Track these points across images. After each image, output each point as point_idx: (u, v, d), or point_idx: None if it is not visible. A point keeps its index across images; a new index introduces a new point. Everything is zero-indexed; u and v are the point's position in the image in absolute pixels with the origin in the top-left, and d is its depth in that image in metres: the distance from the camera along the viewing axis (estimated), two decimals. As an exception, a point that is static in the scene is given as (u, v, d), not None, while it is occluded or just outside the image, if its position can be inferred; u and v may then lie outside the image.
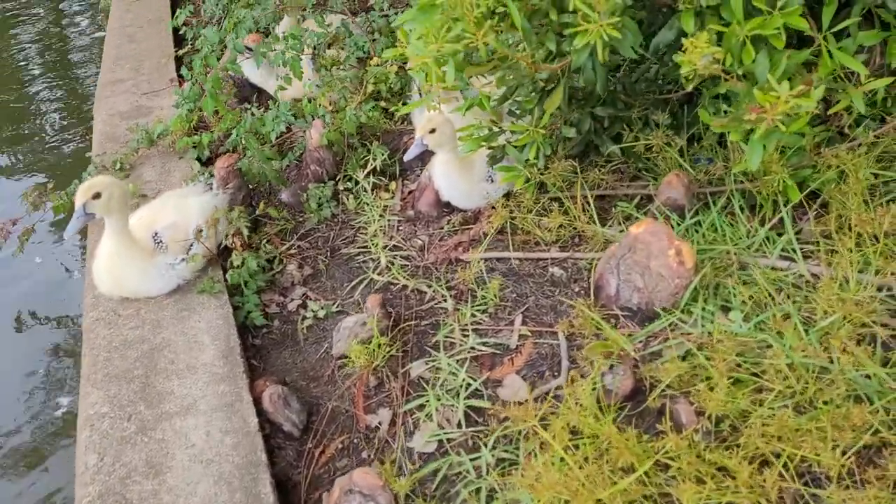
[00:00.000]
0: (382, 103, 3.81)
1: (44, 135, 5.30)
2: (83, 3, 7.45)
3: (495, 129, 2.91)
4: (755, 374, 2.15)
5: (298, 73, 3.64)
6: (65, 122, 5.45)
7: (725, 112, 2.43)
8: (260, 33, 4.39)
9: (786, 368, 2.11)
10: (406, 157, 3.01)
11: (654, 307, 2.44)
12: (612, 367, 2.24)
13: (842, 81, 2.46)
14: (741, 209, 2.71)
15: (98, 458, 2.19)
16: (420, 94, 3.55)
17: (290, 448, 2.35)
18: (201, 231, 2.79)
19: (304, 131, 3.65)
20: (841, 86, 2.45)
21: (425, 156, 3.17)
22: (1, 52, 6.53)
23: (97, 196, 2.63)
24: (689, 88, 2.25)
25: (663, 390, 2.18)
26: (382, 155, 3.46)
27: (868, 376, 2.05)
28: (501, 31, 2.37)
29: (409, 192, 3.40)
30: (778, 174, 2.53)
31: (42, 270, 3.98)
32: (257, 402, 2.39)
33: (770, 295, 2.40)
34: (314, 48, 3.83)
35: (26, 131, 5.36)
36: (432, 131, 2.93)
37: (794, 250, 2.55)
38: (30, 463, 3.06)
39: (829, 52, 2.34)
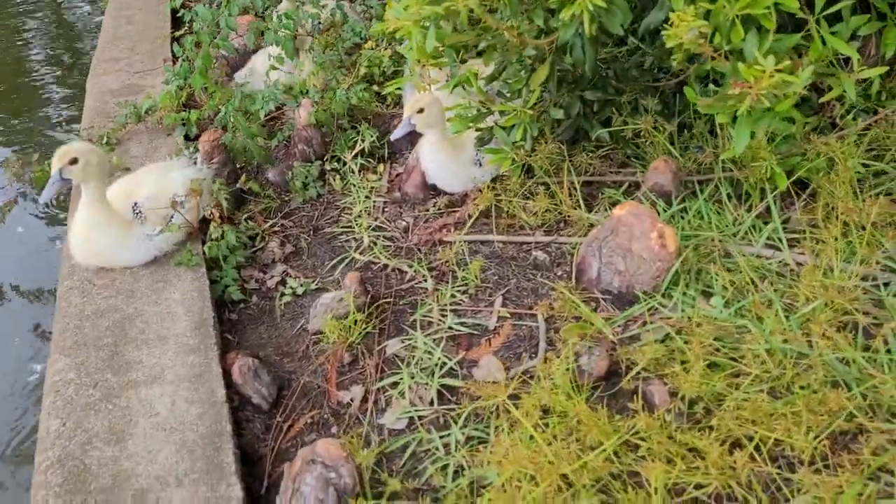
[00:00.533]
0: (375, 87, 3.78)
1: (40, 113, 5.27)
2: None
3: (483, 109, 2.87)
4: (733, 359, 2.11)
5: (290, 52, 3.61)
6: (61, 102, 5.42)
7: (715, 93, 2.39)
8: (257, 16, 4.38)
9: (764, 353, 2.06)
10: (393, 137, 2.97)
11: (634, 290, 2.39)
12: (589, 348, 2.19)
13: (834, 68, 2.42)
14: (728, 197, 2.67)
15: (60, 423, 2.15)
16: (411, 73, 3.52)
17: (258, 421, 2.30)
18: (179, 201, 2.75)
19: (295, 111, 3.62)
20: (833, 72, 2.40)
21: (413, 137, 3.14)
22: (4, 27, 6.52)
23: (74, 161, 2.59)
24: (675, 64, 2.20)
25: (638, 373, 2.13)
26: (371, 137, 3.42)
27: (847, 362, 2.00)
28: (490, 5, 2.34)
29: (397, 175, 3.36)
30: (766, 160, 2.48)
31: (24, 240, 3.94)
32: (227, 374, 2.34)
33: (752, 282, 2.35)
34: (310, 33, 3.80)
35: (24, 109, 5.33)
36: (420, 111, 2.89)
37: (779, 239, 2.50)
38: None
39: (821, 37, 2.30)
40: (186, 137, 3.63)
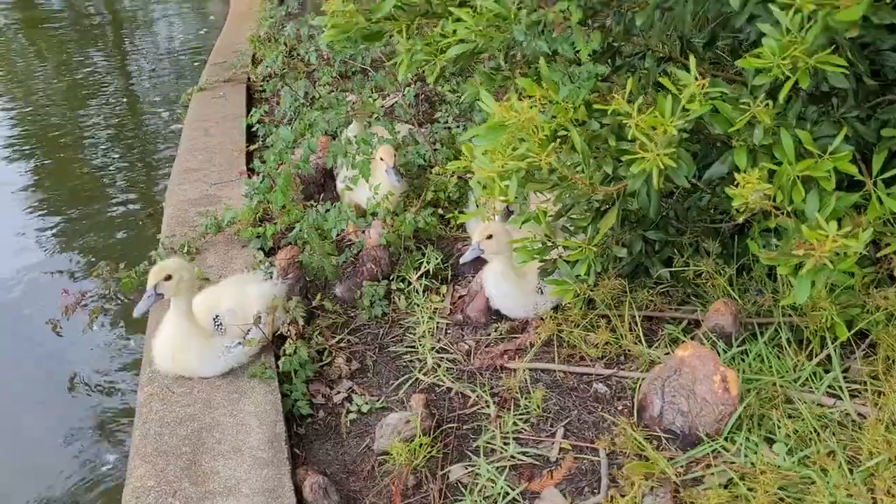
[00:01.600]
0: (440, 210, 3.98)
1: (110, 214, 5.61)
2: (161, 94, 7.99)
3: (548, 243, 3.02)
4: (798, 510, 2.14)
5: (367, 174, 3.85)
6: (132, 204, 5.76)
7: (776, 246, 2.50)
8: (327, 136, 4.67)
9: (829, 506, 2.09)
10: (462, 260, 3.13)
11: (697, 432, 2.45)
12: (652, 488, 2.24)
13: (891, 226, 2.53)
14: (788, 342, 2.74)
15: (140, 531, 2.25)
16: (476, 204, 3.71)
17: (325, 540, 2.37)
18: (260, 317, 2.91)
19: (363, 231, 3.82)
20: (890, 230, 2.51)
21: (477, 263, 3.30)
22: (82, 134, 6.99)
23: (168, 278, 2.79)
24: (740, 220, 2.34)
25: (703, 517, 2.17)
26: (436, 259, 3.60)
27: (914, 522, 2.02)
28: (561, 153, 2.52)
29: (460, 297, 3.50)
30: (826, 310, 2.57)
31: (98, 339, 4.17)
32: (298, 490, 2.43)
33: (815, 431, 2.40)
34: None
35: (94, 209, 5.69)
36: (489, 237, 3.06)
37: (840, 388, 2.56)
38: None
39: (878, 197, 2.42)
40: (261, 249, 3.84)
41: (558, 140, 2.44)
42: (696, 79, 2.16)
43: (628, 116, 2.26)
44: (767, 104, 2.29)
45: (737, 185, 2.22)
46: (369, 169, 3.83)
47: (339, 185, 4.01)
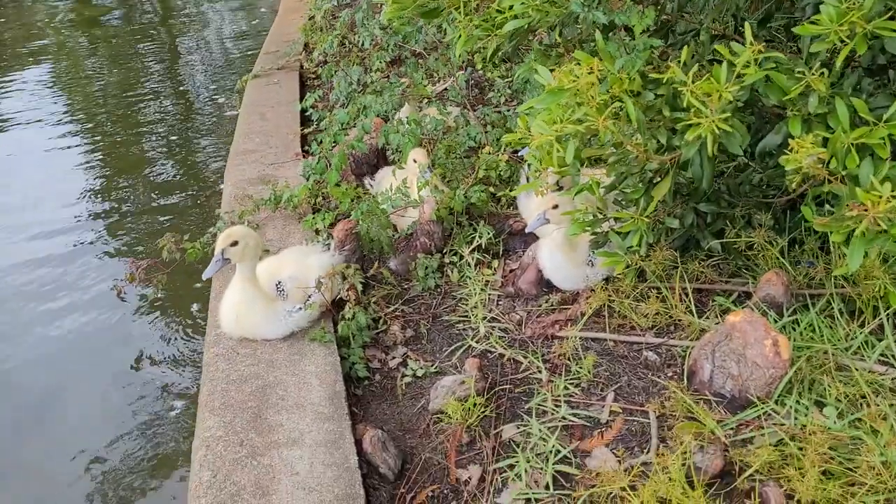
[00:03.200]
0: (491, 188, 4.06)
1: (168, 191, 5.84)
2: (216, 83, 8.23)
3: (600, 215, 3.08)
4: (848, 469, 2.17)
5: (406, 152, 3.93)
6: (189, 184, 5.98)
7: (830, 213, 2.53)
8: (380, 118, 4.78)
9: (879, 465, 2.13)
10: (528, 229, 3.20)
11: (747, 395, 2.50)
12: (701, 447, 2.30)
13: (948, 195, 2.53)
14: (840, 312, 2.76)
15: (211, 475, 2.38)
16: (528, 180, 3.79)
17: (383, 490, 2.48)
18: (321, 282, 3.03)
19: (420, 208, 3.92)
20: (946, 199, 2.52)
21: (528, 237, 3.38)
22: (140, 121, 7.25)
23: (235, 244, 2.92)
24: (794, 188, 2.37)
25: (752, 474, 2.22)
26: (488, 234, 3.68)
27: (966, 480, 2.04)
28: (617, 123, 2.58)
29: (511, 271, 3.58)
30: (880, 279, 2.58)
31: (161, 305, 4.39)
32: (358, 443, 2.54)
33: (866, 395, 2.43)
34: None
35: (151, 184, 5.93)
36: (555, 207, 3.12)
37: (892, 356, 2.57)
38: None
39: (934, 166, 2.43)
40: (316, 231, 3.94)
41: (613, 111, 2.51)
42: (752, 44, 2.21)
43: (683, 85, 2.32)
44: (822, 72, 2.32)
45: (791, 151, 2.26)
46: (413, 146, 3.91)
47: (388, 179, 4.07)
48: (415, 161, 3.82)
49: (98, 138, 6.94)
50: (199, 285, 3.88)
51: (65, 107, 7.79)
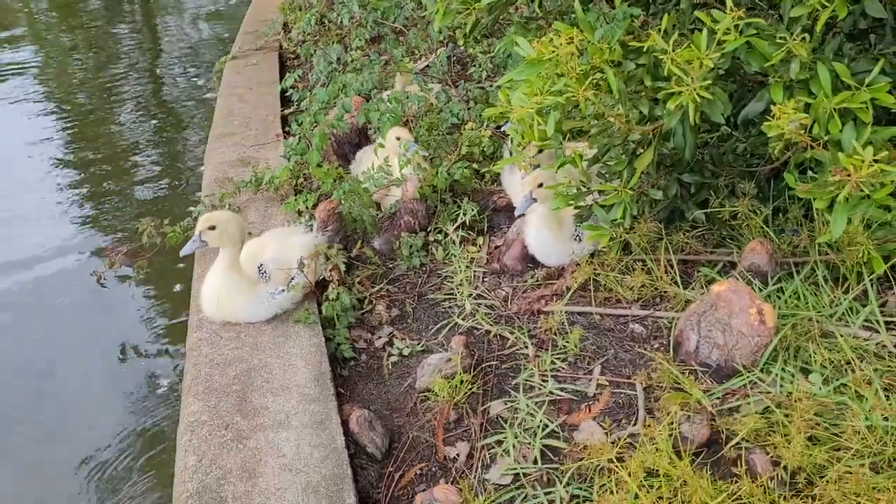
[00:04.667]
0: (474, 165, 4.02)
1: (148, 176, 5.79)
2: (194, 64, 8.12)
3: (584, 189, 3.06)
4: (834, 434, 2.18)
5: (385, 130, 3.88)
6: (169, 168, 5.92)
7: (814, 179, 2.52)
8: (362, 96, 4.73)
9: (864, 429, 2.13)
10: (517, 213, 3.16)
11: (733, 364, 2.49)
12: (688, 417, 2.30)
13: (930, 159, 2.52)
14: (825, 279, 2.76)
15: (197, 459, 2.36)
16: (511, 153, 3.75)
17: (371, 469, 2.47)
18: (303, 263, 3.00)
19: (402, 187, 3.88)
20: (929, 163, 2.51)
21: (512, 214, 3.35)
22: (121, 105, 7.15)
23: (212, 228, 2.88)
24: (776, 153, 2.36)
25: (739, 442, 2.22)
26: (472, 211, 3.65)
27: (951, 442, 2.05)
28: (599, 94, 2.55)
29: (496, 248, 3.56)
30: (863, 245, 2.58)
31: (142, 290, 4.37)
32: (344, 423, 2.53)
33: (851, 361, 2.43)
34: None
35: (131, 169, 5.88)
36: (540, 185, 3.09)
37: (877, 321, 2.58)
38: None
39: (917, 130, 2.42)
40: (298, 213, 3.90)
41: (594, 82, 2.47)
42: (732, 10, 2.18)
43: (664, 53, 2.29)
44: (804, 38, 2.30)
45: (773, 118, 2.24)
46: (393, 124, 3.87)
47: (370, 159, 4.01)
48: (398, 139, 3.78)
49: (76, 121, 6.85)
50: (181, 265, 3.86)
51: (41, 88, 7.67)
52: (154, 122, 6.76)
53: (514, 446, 2.45)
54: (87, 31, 9.59)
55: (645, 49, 2.41)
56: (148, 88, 7.57)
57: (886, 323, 2.56)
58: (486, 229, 3.69)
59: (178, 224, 3.68)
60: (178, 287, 4.33)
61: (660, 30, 2.37)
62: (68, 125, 6.79)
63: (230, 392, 2.65)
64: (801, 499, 1.98)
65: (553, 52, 2.21)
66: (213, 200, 4.00)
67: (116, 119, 6.87)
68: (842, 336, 2.53)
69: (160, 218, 3.69)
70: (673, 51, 2.26)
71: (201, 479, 2.28)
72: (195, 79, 7.73)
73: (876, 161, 2.07)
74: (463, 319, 3.11)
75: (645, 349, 2.77)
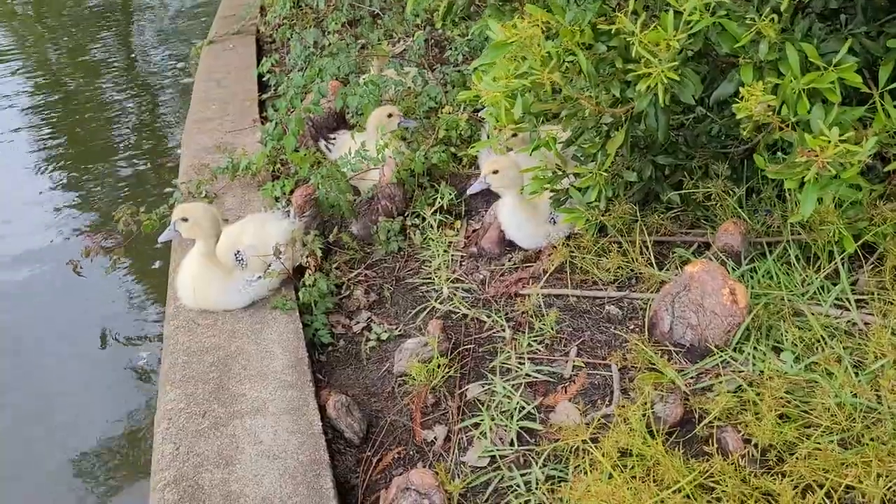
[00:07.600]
0: (452, 149, 4.02)
1: (123, 162, 5.75)
2: (171, 51, 8.04)
3: (559, 172, 3.07)
4: (804, 412, 2.21)
5: (368, 113, 3.87)
6: (146, 154, 5.88)
7: (783, 160, 2.54)
8: (339, 80, 4.70)
9: (834, 406, 2.17)
10: (469, 191, 3.20)
11: (706, 344, 2.52)
12: (662, 396, 2.32)
13: (898, 138, 2.55)
14: (797, 259, 2.79)
15: (174, 447, 2.36)
16: (488, 136, 3.75)
17: (349, 454, 2.48)
18: (280, 249, 2.99)
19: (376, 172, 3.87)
20: (897, 142, 2.53)
21: (491, 196, 3.36)
22: (94, 91, 7.07)
23: (185, 220, 2.88)
24: (747, 134, 2.37)
25: (711, 421, 2.25)
26: (450, 195, 3.65)
27: (916, 417, 2.09)
28: (571, 77, 2.56)
29: (473, 231, 3.57)
30: (834, 224, 2.61)
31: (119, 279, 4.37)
32: (322, 409, 2.54)
33: (822, 339, 2.46)
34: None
35: (108, 154, 5.84)
36: (495, 172, 3.10)
37: (847, 300, 2.61)
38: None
39: (885, 109, 2.44)
40: (276, 199, 3.88)
41: (564, 64, 2.47)
42: (700, -9, 2.18)
43: (633, 35, 2.29)
44: (773, 18, 2.31)
45: (742, 100, 2.25)
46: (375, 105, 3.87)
47: (347, 143, 4.00)
48: (389, 115, 3.77)
49: (50, 107, 6.76)
50: (158, 246, 3.86)
51: (16, 73, 7.56)
52: (130, 106, 6.69)
53: (490, 429, 2.47)
54: (59, 12, 9.45)
55: (614, 32, 2.42)
56: (124, 73, 7.48)
57: (857, 301, 2.60)
58: (463, 213, 3.69)
59: (153, 211, 3.65)
60: (157, 268, 4.33)
61: (628, 11, 2.38)
62: (40, 110, 6.71)
63: (207, 380, 2.65)
64: (771, 476, 2.01)
65: (516, 35, 2.20)
66: (190, 187, 3.97)
67: (91, 104, 6.78)
68: (813, 314, 2.56)
69: (137, 204, 3.66)
70: (641, 32, 2.26)
71: (179, 466, 2.28)
72: (173, 63, 7.65)
73: (842, 141, 2.09)
74: (441, 303, 3.12)
75: (620, 330, 2.79)
